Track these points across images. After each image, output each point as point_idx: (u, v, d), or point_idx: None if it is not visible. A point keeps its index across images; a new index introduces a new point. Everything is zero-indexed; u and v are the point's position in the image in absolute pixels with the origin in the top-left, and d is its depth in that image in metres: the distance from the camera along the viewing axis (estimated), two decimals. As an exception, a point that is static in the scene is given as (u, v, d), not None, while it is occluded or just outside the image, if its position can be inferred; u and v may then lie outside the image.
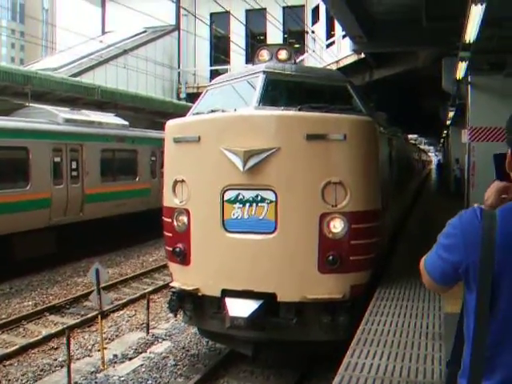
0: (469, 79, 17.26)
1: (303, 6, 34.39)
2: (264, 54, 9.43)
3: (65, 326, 11.14)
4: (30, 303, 13.66)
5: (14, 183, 16.58)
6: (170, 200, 8.86)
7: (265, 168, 7.87)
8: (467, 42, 11.99)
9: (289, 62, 9.32)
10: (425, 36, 16.11)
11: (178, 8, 35.12)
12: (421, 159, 21.70)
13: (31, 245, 16.91)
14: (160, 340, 10.87)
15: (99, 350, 9.83)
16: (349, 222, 7.81)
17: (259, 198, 7.99)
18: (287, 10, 33.27)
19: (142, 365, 9.60)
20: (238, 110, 8.50)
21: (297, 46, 36.12)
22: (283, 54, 9.32)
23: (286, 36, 35.37)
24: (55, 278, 16.19)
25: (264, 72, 8.87)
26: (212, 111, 8.77)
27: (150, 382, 8.91)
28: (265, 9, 33.13)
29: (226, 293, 8.09)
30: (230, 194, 8.13)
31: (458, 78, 16.95)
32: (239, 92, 9.29)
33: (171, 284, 8.98)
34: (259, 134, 7.98)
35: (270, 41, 31.44)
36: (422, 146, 58.08)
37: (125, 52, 28.72)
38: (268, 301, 7.90)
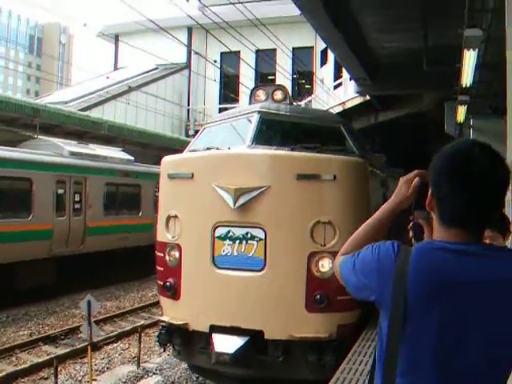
0: (470, 123, 17.44)
1: (312, 47, 34.88)
2: (260, 94, 9.64)
3: (54, 355, 11.12)
4: (26, 332, 13.71)
5: (17, 213, 16.76)
6: (162, 235, 8.92)
7: (255, 206, 7.97)
8: (464, 86, 12.20)
9: (284, 102, 9.51)
10: (426, 79, 16.35)
11: (189, 48, 35.73)
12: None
13: (32, 274, 16.98)
14: (150, 374, 10.87)
15: (88, 382, 9.83)
16: None
17: (249, 235, 8.05)
18: (296, 52, 33.81)
19: (129, 398, 9.60)
20: (231, 148, 8.64)
21: (307, 86, 36.61)
22: (279, 95, 9.53)
23: (295, 77, 35.79)
24: (53, 308, 16.24)
25: (259, 112, 9.05)
26: (207, 148, 8.91)
27: (135, 414, 8.90)
28: (275, 49, 33.67)
29: (214, 328, 8.10)
30: (220, 231, 8.20)
31: (459, 121, 17.13)
32: (235, 130, 9.42)
33: (161, 318, 9.05)
34: (251, 172, 8.10)
35: (279, 81, 31.80)
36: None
37: (133, 89, 29.11)
38: (255, 338, 7.91)
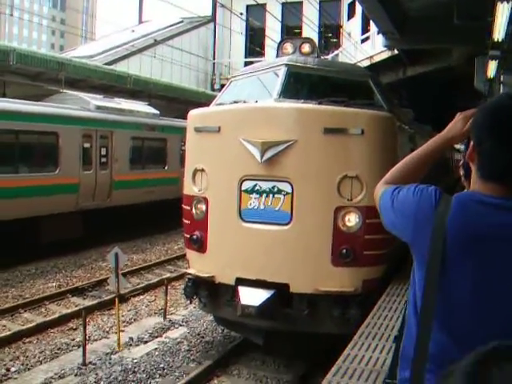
0: (501, 78, 17.07)
1: (340, 0, 34.23)
2: (288, 47, 9.54)
3: (82, 307, 11.33)
4: (54, 284, 13.97)
5: (44, 167, 16.90)
6: (189, 188, 9.01)
7: (282, 160, 7.95)
8: (496, 40, 11.89)
9: (312, 55, 9.40)
10: (456, 34, 15.97)
11: (215, 0, 35.27)
12: (453, 158, 21.19)
13: (58, 228, 17.21)
14: (176, 326, 11.04)
15: (116, 333, 10.02)
16: (364, 216, 7.82)
17: (276, 189, 8.07)
18: (323, 4, 33.21)
19: (156, 348, 9.78)
20: (258, 102, 8.59)
21: (334, 40, 36.06)
22: (306, 48, 9.42)
23: (321, 30, 35.25)
24: (80, 261, 16.49)
25: (286, 65, 8.96)
26: (234, 102, 8.89)
27: (162, 365, 9.07)
28: (301, 2, 33.12)
29: (240, 281, 8.19)
30: (247, 185, 8.24)
31: (489, 77, 16.78)
32: (262, 84, 9.33)
33: (187, 270, 9.19)
34: (278, 126, 8.07)
35: (305, 35, 31.36)
36: (456, 146, 57.24)
37: (158, 42, 28.90)
38: (280, 291, 7.98)
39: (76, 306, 12.18)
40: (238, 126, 8.30)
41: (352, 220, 7.93)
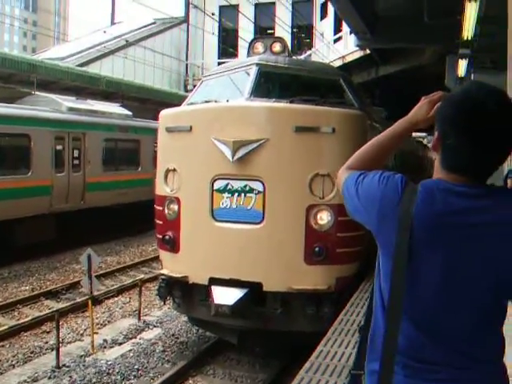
0: (471, 77, 17.26)
1: (312, 0, 34.37)
2: (258, 46, 9.55)
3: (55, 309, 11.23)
4: (27, 288, 13.84)
5: (16, 170, 16.73)
6: (161, 188, 8.98)
7: (254, 159, 7.97)
8: (466, 39, 12.04)
9: (283, 54, 9.42)
10: (427, 33, 16.11)
11: (188, 1, 35.23)
12: (427, 156, 21.38)
13: (32, 231, 17.06)
14: (151, 327, 11.00)
15: (90, 335, 9.95)
16: (336, 214, 7.83)
17: (248, 188, 8.09)
18: (296, 5, 33.31)
19: (130, 350, 9.74)
20: (229, 101, 8.62)
21: (307, 40, 36.17)
22: (277, 47, 9.43)
23: (294, 31, 35.36)
24: (54, 264, 16.34)
25: (257, 64, 8.97)
26: (206, 102, 8.90)
27: (136, 366, 9.03)
28: (274, 3, 33.22)
29: (214, 281, 8.17)
30: (219, 184, 8.23)
31: (460, 75, 16.96)
32: (233, 83, 9.35)
33: (160, 271, 9.15)
34: (249, 125, 8.09)
35: (278, 35, 31.38)
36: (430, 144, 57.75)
37: (130, 44, 28.81)
38: (254, 290, 7.98)
39: (50, 309, 12.05)
40: (210, 125, 8.29)
41: (324, 218, 7.95)
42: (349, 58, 24.78)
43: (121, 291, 13.53)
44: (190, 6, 35.77)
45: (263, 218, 8.03)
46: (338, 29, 29.39)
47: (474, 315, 2.06)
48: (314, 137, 7.97)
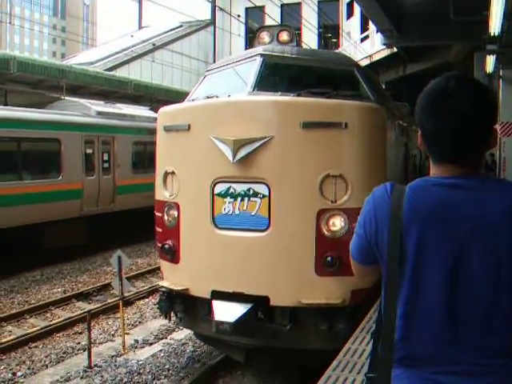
0: (500, 73, 17.12)
1: (338, 0, 34.35)
2: (264, 36, 8.74)
3: (87, 310, 11.40)
4: (60, 290, 14.04)
5: (47, 174, 17.01)
6: (160, 193, 8.27)
7: (257, 159, 7.18)
8: (493, 34, 11.95)
9: (290, 44, 8.60)
10: (454, 29, 16.07)
11: (214, 4, 35.42)
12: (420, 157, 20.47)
13: (63, 234, 17.29)
14: (181, 327, 11.07)
15: (121, 336, 10.08)
16: (350, 219, 6.95)
17: (251, 191, 7.29)
18: (322, 5, 33.30)
19: (161, 350, 9.83)
20: (230, 96, 7.84)
21: (333, 40, 36.14)
22: (284, 36, 8.62)
23: (321, 31, 35.35)
24: (85, 266, 16.56)
25: (261, 55, 8.13)
26: (207, 98, 8.09)
27: (167, 366, 9.12)
28: (300, 3, 33.23)
29: (216, 294, 7.41)
30: (220, 188, 7.44)
31: (488, 72, 16.84)
32: (236, 76, 8.51)
33: (160, 283, 8.44)
34: (252, 121, 7.27)
35: (304, 36, 31.42)
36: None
37: (158, 47, 29.07)
38: (260, 305, 7.26)
39: (81, 311, 12.24)
40: (209, 123, 7.50)
41: (337, 224, 7.08)
42: (376, 57, 24.72)
43: (151, 292, 13.65)
44: (216, 8, 35.91)
45: (269, 224, 7.21)
46: (364, 28, 29.36)
47: (483, 307, 2.08)
48: (324, 133, 7.09)
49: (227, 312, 7.10)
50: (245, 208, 7.28)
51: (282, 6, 33.24)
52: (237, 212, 7.32)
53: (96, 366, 9.15)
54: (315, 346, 7.27)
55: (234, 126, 7.21)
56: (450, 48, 21.67)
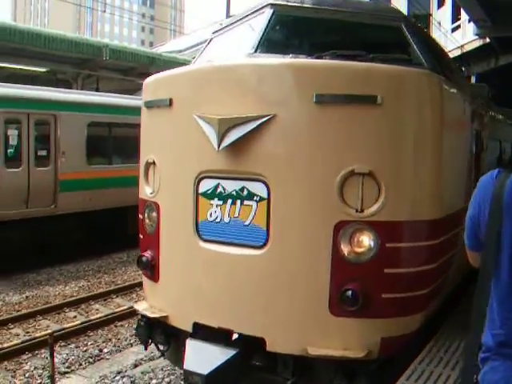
0: None
1: (429, -12, 33.55)
2: None
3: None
4: (146, 272, 14.38)
5: (134, 158, 17.27)
6: (142, 189, 6.48)
7: (253, 147, 5.21)
8: None
9: None
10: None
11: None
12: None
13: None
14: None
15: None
16: (382, 237, 4.98)
17: (246, 192, 5.34)
18: (412, -6, 32.59)
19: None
20: (223, 60, 5.90)
21: (424, 29, 35.35)
22: None
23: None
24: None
25: (272, 5, 6.12)
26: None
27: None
28: (390, -7, 32.65)
29: (198, 328, 5.63)
30: (206, 185, 5.57)
31: None
32: (241, 37, 6.49)
33: (135, 306, 6.78)
34: (246, 94, 5.28)
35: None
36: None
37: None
38: (252, 349, 5.44)
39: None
40: (194, 96, 5.61)
41: (364, 243, 5.04)
42: (467, 48, 24.02)
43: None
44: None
45: (267, 238, 5.22)
46: (455, 17, 28.59)
47: None
48: (348, 111, 4.99)
49: (201, 359, 5.30)
50: (236, 215, 5.39)
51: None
52: (226, 219, 5.45)
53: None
54: None
55: (224, 100, 5.32)
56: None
